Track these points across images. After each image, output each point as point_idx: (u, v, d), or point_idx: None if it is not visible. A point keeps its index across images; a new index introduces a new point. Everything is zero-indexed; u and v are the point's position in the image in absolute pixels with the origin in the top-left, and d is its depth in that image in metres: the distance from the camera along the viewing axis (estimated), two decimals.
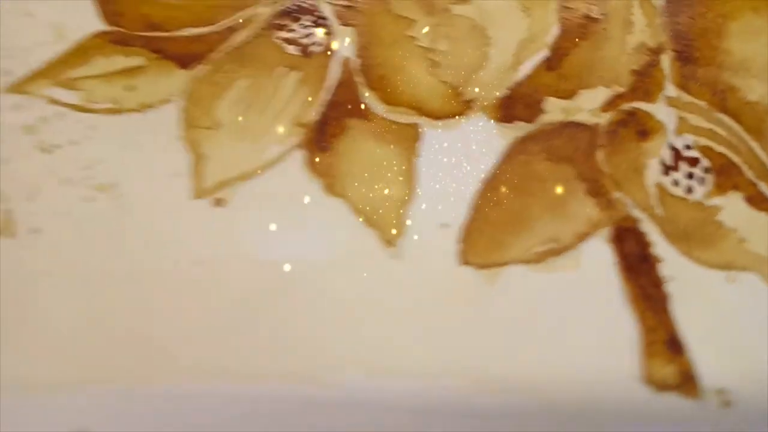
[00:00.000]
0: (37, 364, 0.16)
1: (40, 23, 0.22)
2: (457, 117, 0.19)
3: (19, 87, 0.20)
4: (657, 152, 0.19)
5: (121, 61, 0.21)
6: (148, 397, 0.16)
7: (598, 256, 0.17)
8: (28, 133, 0.19)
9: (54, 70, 0.21)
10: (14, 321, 0.17)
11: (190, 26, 0.21)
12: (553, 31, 0.21)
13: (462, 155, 0.18)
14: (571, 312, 0.17)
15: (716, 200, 0.18)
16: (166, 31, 0.21)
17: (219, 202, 0.18)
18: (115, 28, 0.21)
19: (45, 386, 0.16)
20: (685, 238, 0.18)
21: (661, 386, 0.16)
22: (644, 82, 0.20)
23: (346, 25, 0.21)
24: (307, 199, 0.18)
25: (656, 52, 0.20)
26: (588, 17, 0.21)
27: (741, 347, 0.17)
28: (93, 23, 0.21)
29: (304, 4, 0.21)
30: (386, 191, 0.18)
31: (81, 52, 0.21)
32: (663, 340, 0.17)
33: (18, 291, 0.17)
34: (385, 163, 0.18)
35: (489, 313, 0.17)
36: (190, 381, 0.16)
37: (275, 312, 0.17)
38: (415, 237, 0.17)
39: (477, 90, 0.20)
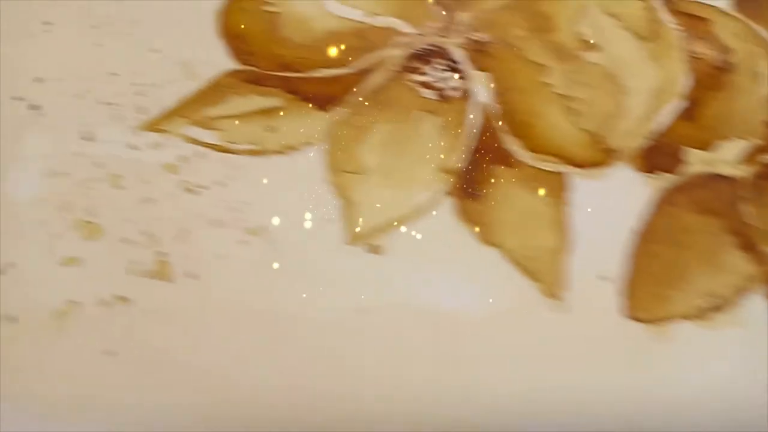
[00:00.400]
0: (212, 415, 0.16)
1: (168, 60, 0.22)
2: (600, 166, 0.19)
3: (154, 125, 0.20)
4: None
5: (257, 101, 0.21)
6: None
7: (762, 312, 0.17)
8: (170, 173, 0.19)
9: (189, 109, 0.20)
10: (183, 368, 0.16)
11: (323, 67, 0.21)
12: (685, 81, 0.21)
13: (610, 205, 0.19)
14: (740, 369, 0.17)
15: None
16: (300, 71, 0.21)
17: (374, 249, 0.18)
18: (248, 68, 0.21)
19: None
20: None
21: None
22: None
23: (479, 69, 0.21)
24: (462, 248, 0.18)
25: None
26: (718, 68, 0.21)
27: None
28: (223, 61, 0.22)
29: (434, 48, 0.22)
30: (541, 241, 0.18)
31: (215, 91, 0.21)
32: None
33: (182, 337, 0.17)
34: (536, 211, 0.18)
35: (658, 369, 0.17)
36: None
37: (442, 363, 0.17)
38: (575, 289, 0.17)
39: (617, 139, 0.20)
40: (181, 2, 0.23)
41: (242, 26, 0.22)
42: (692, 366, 0.17)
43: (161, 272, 0.17)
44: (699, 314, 0.17)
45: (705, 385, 0.17)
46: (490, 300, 0.17)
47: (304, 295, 0.17)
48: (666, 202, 0.19)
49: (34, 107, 0.21)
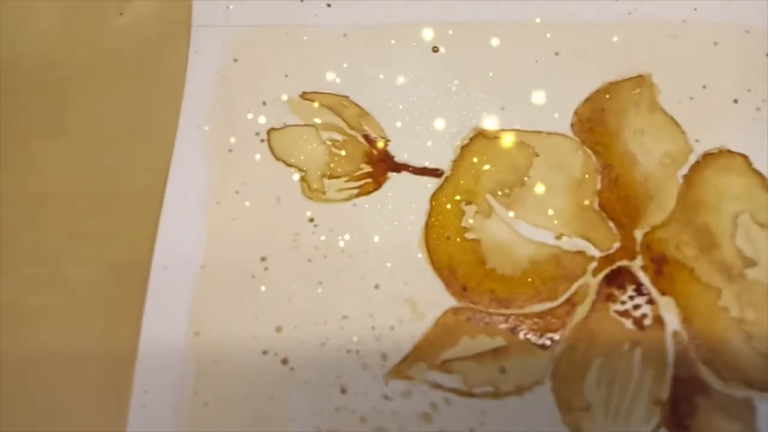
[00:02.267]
0: None
1: (392, 298, 0.24)
2: None
3: (400, 372, 0.23)
4: None
5: (486, 341, 0.24)
6: None
7: None
8: (426, 422, 0.23)
9: (427, 353, 0.24)
10: None
11: (534, 301, 0.25)
12: None
13: None
14: None
15: None
16: (515, 307, 0.24)
17: None
18: (468, 305, 0.24)
19: None
20: None
21: None
22: None
23: (662, 293, 0.25)
24: None
25: None
26: None
27: None
28: (442, 296, 0.25)
29: (622, 270, 0.25)
30: None
31: (445, 332, 0.24)
32: None
33: None
34: None
35: None
36: None
37: None
38: None
39: None
40: (387, 229, 0.26)
41: (450, 259, 0.25)
42: None
43: None
44: None
45: None
46: None
47: None
48: None
49: (284, 362, 0.23)
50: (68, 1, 0.31)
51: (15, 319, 0.24)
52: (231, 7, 0.30)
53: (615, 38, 0.30)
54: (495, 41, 0.30)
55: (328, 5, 0.30)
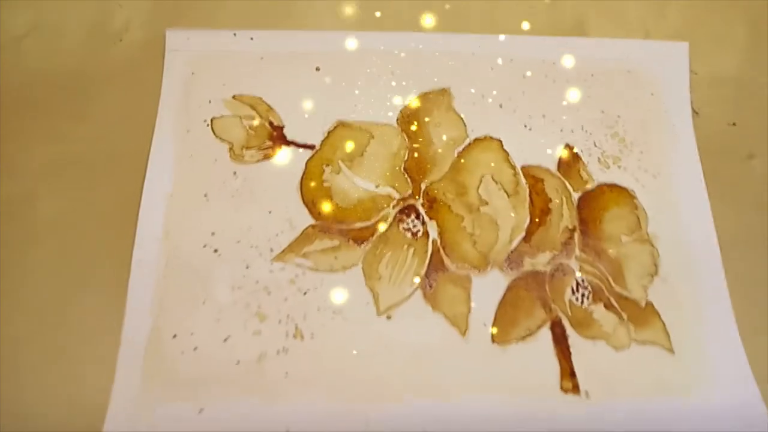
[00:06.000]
0: None
1: (278, 218, 0.42)
2: (485, 270, 0.42)
3: (281, 257, 0.41)
4: (570, 284, 0.42)
5: (328, 242, 0.42)
6: None
7: (546, 336, 0.41)
8: (292, 284, 0.41)
9: (296, 248, 0.41)
10: None
11: (358, 221, 0.42)
12: (527, 221, 0.43)
13: (486, 288, 0.42)
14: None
15: (592, 307, 0.42)
16: (347, 224, 0.42)
17: (389, 318, 0.40)
18: (320, 222, 0.42)
19: None
20: (579, 326, 0.42)
21: None
22: (566, 248, 0.43)
23: (431, 218, 0.43)
24: (424, 314, 0.41)
25: (573, 230, 0.44)
26: (543, 210, 0.44)
27: None
28: (307, 218, 0.42)
29: (409, 205, 0.43)
30: (461, 309, 0.41)
31: (306, 237, 0.42)
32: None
33: (306, 366, 0.39)
34: (458, 296, 0.41)
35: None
36: None
37: None
38: (471, 330, 0.41)
39: (494, 255, 0.42)
40: (278, 179, 0.43)
41: (313, 197, 0.43)
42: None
43: (299, 335, 0.39)
44: (528, 333, 0.41)
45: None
46: (427, 335, 0.40)
47: (355, 350, 0.39)
48: (512, 285, 0.42)
49: (215, 251, 0.41)
50: (86, 30, 0.47)
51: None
52: (189, 38, 0.46)
53: (427, 68, 0.47)
54: (357, 66, 0.47)
55: (251, 38, 0.47)
